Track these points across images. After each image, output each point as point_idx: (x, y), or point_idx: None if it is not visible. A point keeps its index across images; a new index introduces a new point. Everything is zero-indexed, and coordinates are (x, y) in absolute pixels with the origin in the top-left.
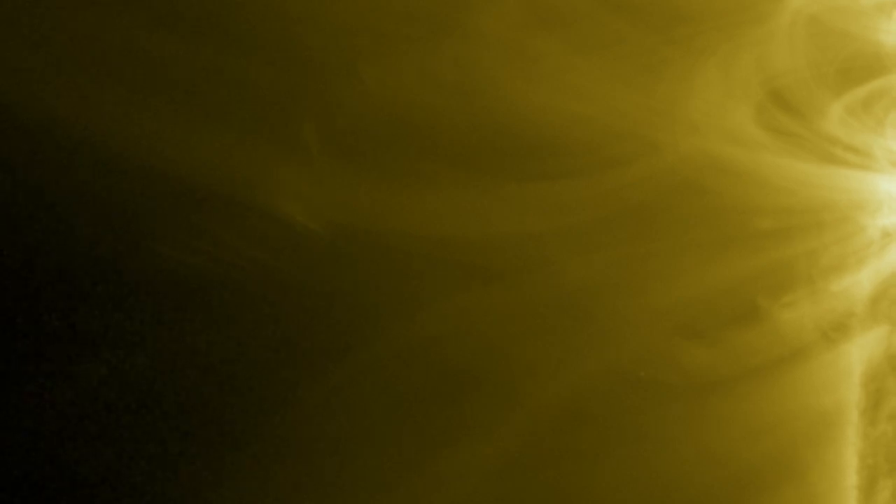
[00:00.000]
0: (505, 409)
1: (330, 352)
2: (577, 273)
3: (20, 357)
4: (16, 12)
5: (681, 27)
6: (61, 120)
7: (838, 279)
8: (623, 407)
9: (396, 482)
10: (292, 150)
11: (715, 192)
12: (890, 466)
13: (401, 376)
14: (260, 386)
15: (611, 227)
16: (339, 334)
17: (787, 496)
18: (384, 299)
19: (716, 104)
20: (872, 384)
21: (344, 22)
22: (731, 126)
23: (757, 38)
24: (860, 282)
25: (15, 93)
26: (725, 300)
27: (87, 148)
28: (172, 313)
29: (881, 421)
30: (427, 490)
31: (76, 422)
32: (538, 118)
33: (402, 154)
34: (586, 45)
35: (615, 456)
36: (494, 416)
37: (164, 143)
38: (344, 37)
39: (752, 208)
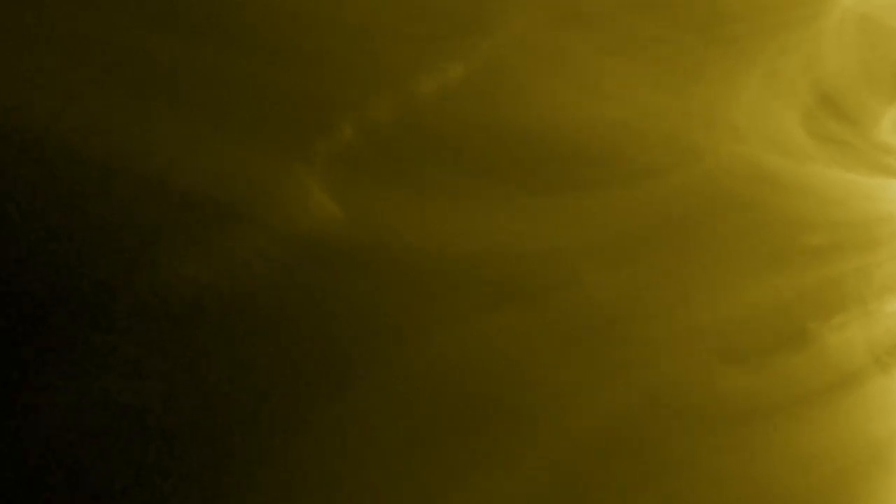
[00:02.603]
0: (530, 439)
1: (340, 377)
2: (609, 292)
3: (3, 384)
4: (6, 12)
5: (721, 26)
6: (51, 125)
7: (893, 299)
8: (658, 437)
9: None
10: (300, 158)
11: (758, 204)
12: None
13: (418, 403)
14: (264, 413)
15: (645, 243)
16: (351, 358)
17: None
18: (399, 321)
19: (759, 109)
20: None
21: (357, 20)
22: (777, 133)
23: (804, 37)
24: None
25: (2, 95)
26: (770, 322)
27: (79, 155)
28: (170, 334)
29: None
30: None
31: (66, 451)
32: (566, 124)
33: (418, 163)
34: (619, 44)
35: (650, 490)
36: (519, 446)
37: (162, 149)
38: (356, 36)
39: (799, 222)
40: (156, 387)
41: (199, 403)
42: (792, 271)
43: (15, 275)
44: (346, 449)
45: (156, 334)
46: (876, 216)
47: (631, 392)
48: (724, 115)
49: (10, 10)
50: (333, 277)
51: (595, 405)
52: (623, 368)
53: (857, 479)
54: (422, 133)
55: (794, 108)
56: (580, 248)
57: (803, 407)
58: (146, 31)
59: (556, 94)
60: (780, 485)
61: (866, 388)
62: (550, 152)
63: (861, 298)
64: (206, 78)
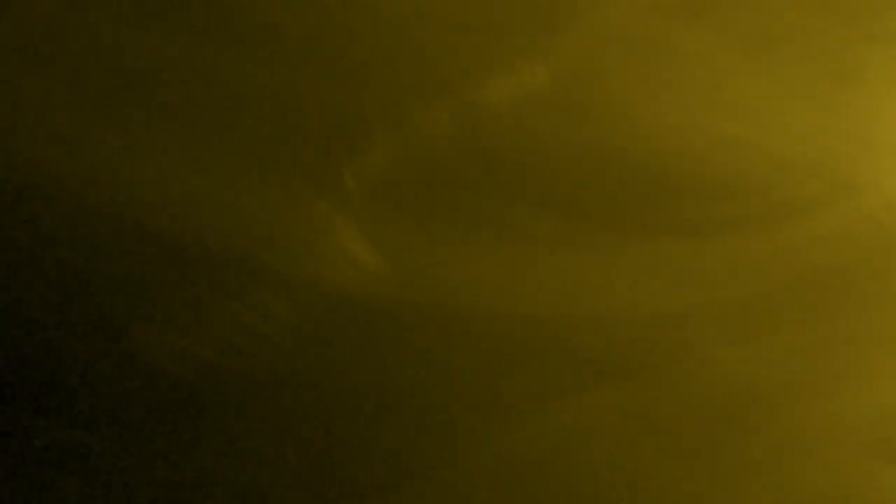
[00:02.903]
0: None
1: (386, 481)
2: (736, 369)
3: None
4: None
5: (886, 16)
6: (11, 154)
7: None
8: None
9: None
10: (327, 192)
11: None
12: None
13: None
14: None
15: (783, 304)
16: (400, 456)
17: None
18: (462, 406)
19: None
20: None
21: (399, 7)
22: None
23: None
24: None
25: None
26: None
27: (40, 187)
28: (159, 428)
29: None
30: None
31: None
32: (678, 146)
33: (483, 198)
34: (749, 40)
35: None
36: None
37: (147, 181)
38: (405, 30)
39: None
40: (140, 498)
41: None
42: None
43: None
44: None
45: (140, 429)
46: None
47: (764, 499)
48: (890, 135)
49: None
50: (375, 351)
51: None
52: (754, 468)
53: None
54: (488, 158)
55: None
56: (697, 310)
57: None
58: (126, 28)
59: (664, 105)
60: None
61: None
62: (658, 184)
63: None
64: (203, 86)
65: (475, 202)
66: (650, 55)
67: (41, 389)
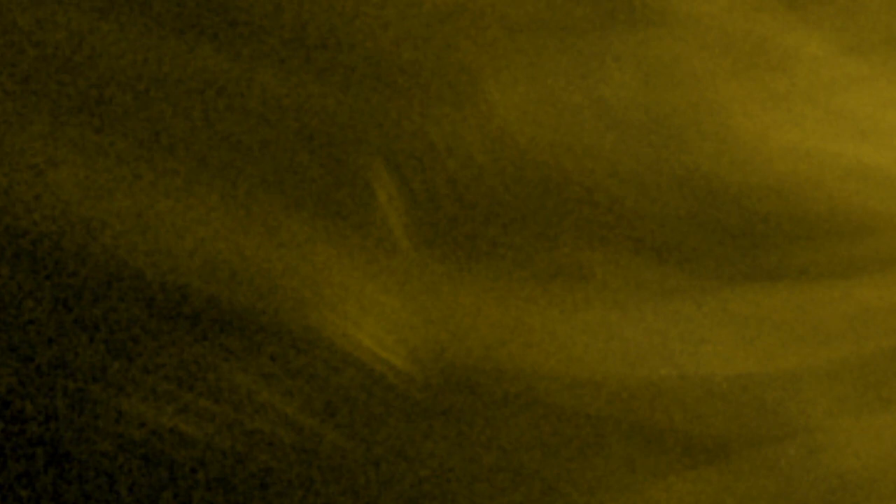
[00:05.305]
0: None
1: None
2: (865, 445)
3: None
4: None
5: None
6: None
7: None
8: None
9: None
10: (361, 233)
11: None
12: None
13: None
14: None
15: None
16: None
17: None
18: (526, 491)
19: None
20: None
21: (450, 4)
22: None
23: None
24: None
25: None
26: None
27: (19, 239)
28: None
29: None
30: None
31: None
32: (796, 173)
33: (551, 238)
34: (871, 42)
35: None
36: None
37: (133, 221)
38: (452, 27)
39: None
40: None
41: None
42: None
43: None
44: None
45: None
46: None
47: None
48: None
49: None
50: (415, 429)
51: None
52: None
53: None
54: (551, 189)
55: None
56: (816, 372)
57: None
58: (128, 33)
59: (775, 122)
60: None
61: None
62: (767, 219)
63: None
64: (196, 95)
65: (537, 244)
66: (756, 59)
67: (6, 480)
